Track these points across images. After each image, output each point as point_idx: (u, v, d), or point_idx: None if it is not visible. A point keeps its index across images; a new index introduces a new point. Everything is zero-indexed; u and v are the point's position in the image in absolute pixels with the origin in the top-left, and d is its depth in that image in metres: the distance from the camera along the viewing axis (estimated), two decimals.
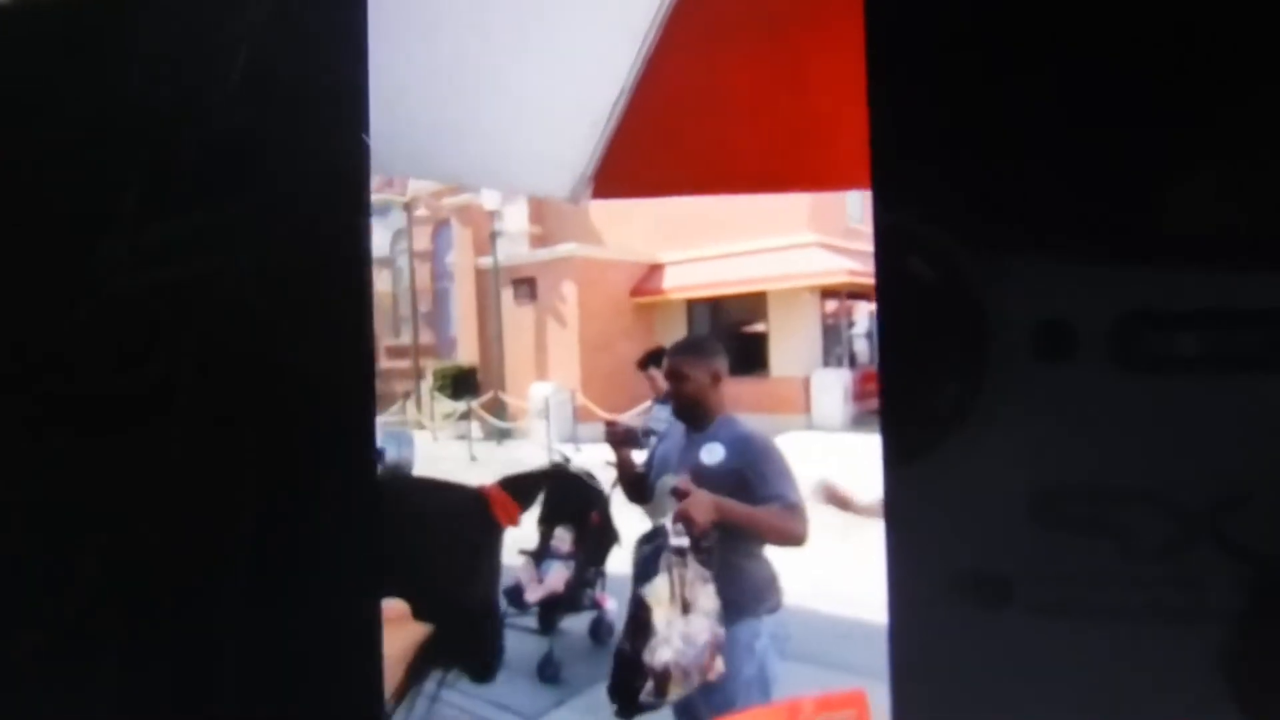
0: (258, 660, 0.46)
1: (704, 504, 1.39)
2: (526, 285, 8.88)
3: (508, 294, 8.89)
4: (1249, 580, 0.39)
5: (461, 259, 8.72)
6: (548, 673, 2.41)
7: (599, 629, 2.71)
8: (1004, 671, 0.42)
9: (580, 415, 7.84)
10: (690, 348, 1.68)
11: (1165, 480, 0.39)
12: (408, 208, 8.13)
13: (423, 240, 9.27)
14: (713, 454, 1.51)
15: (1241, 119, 0.39)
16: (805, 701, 1.03)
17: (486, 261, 9.05)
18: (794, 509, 1.44)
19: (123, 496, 0.46)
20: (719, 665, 1.35)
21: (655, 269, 9.01)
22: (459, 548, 0.65)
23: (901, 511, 0.42)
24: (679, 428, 1.61)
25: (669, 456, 1.62)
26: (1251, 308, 0.39)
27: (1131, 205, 0.40)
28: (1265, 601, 0.39)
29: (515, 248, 9.13)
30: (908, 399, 0.42)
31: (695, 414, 1.57)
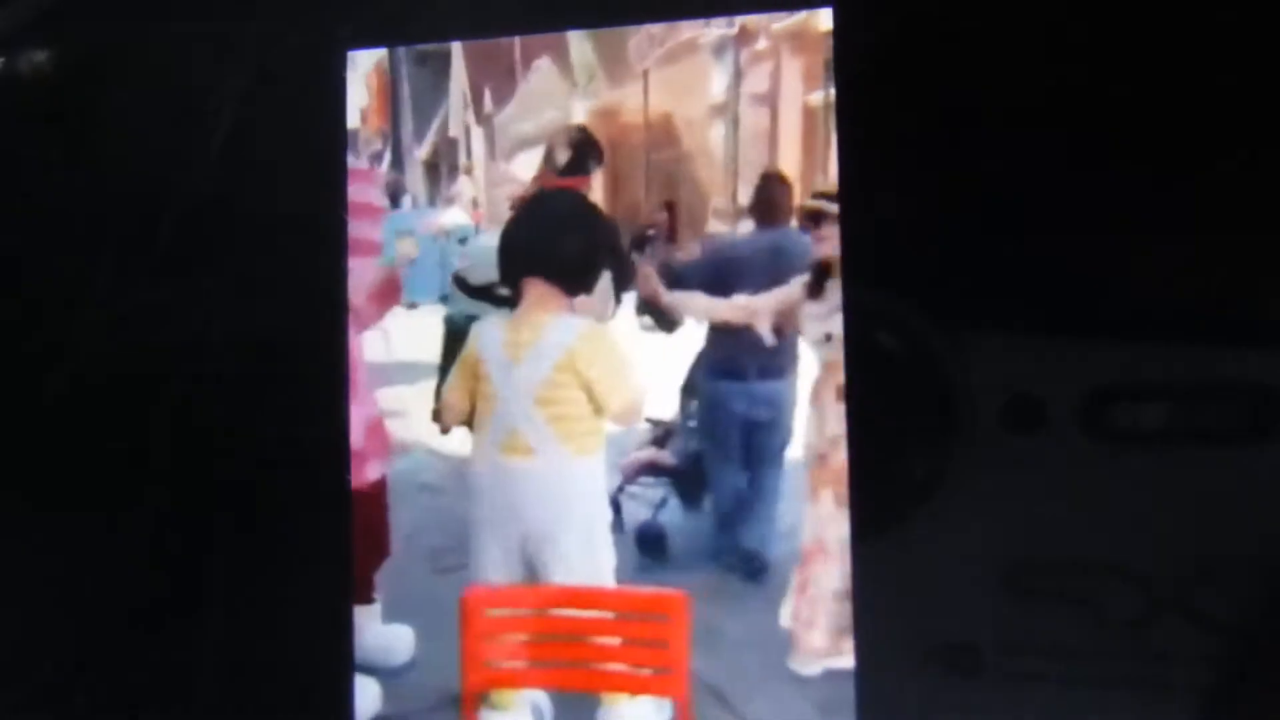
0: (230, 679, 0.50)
1: None
2: None
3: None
4: (1218, 653, 0.41)
5: (788, 96, 8.30)
6: (646, 542, 2.16)
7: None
8: None
9: None
10: None
11: (1134, 553, 0.41)
12: (736, 42, 7.85)
13: (760, 80, 8.89)
14: None
15: (1207, 192, 0.41)
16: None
17: (819, 97, 8.52)
18: None
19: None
20: None
21: None
22: None
23: (870, 585, 0.46)
24: None
25: None
26: (1220, 381, 0.41)
27: (1099, 279, 0.42)
28: (1234, 675, 0.41)
29: None
30: (876, 473, 0.45)
31: None
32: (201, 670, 0.49)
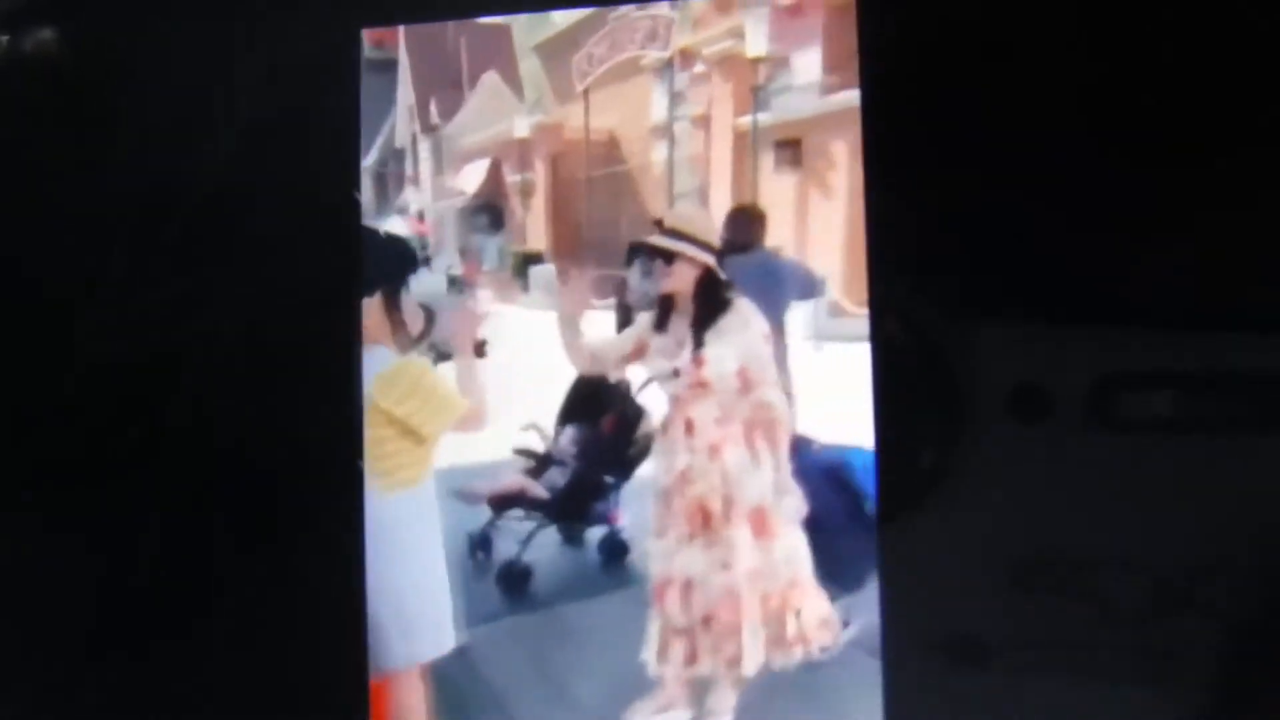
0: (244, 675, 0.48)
1: None
2: (790, 148, 8.28)
3: (769, 160, 8.41)
4: (1226, 647, 0.40)
5: (719, 120, 8.36)
6: (510, 579, 1.88)
7: (609, 546, 2.33)
8: None
9: (831, 310, 7.46)
10: None
11: (1141, 545, 0.40)
12: (671, 63, 7.86)
13: (701, 102, 8.94)
14: None
15: (1215, 182, 0.40)
16: None
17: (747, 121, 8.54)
18: None
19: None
20: None
21: None
22: None
23: (892, 570, 0.44)
24: None
25: None
26: (1228, 370, 0.40)
27: (1105, 269, 0.41)
28: (1242, 669, 0.40)
29: (805, 104, 8.37)
30: (899, 460, 0.44)
31: None
32: (214, 666, 0.48)
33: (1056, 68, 0.42)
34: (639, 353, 1.25)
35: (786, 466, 1.12)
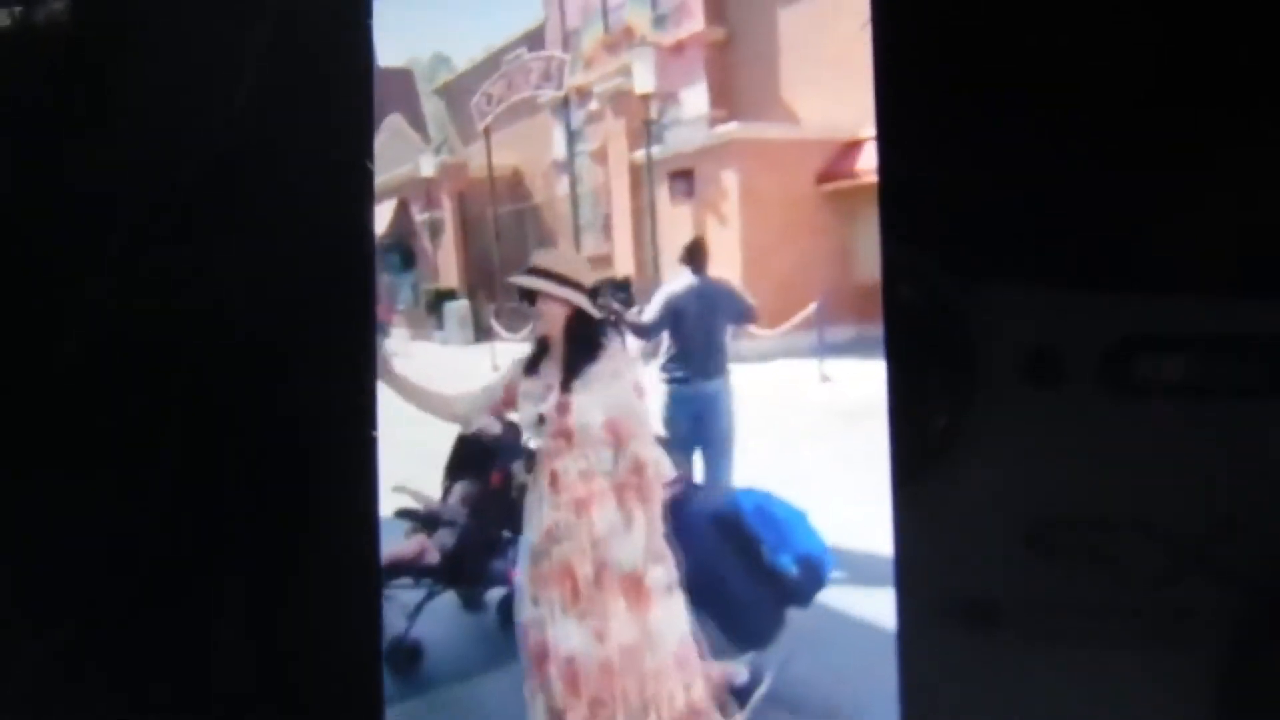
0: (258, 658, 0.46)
1: None
2: (683, 179, 8.38)
3: (664, 191, 8.53)
4: (1239, 607, 0.32)
5: (615, 154, 8.45)
6: (396, 659, 1.56)
7: (508, 608, 1.81)
8: (995, 692, 0.40)
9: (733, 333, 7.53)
10: None
11: (1154, 507, 0.32)
12: (568, 102, 7.80)
13: (597, 137, 8.98)
14: None
15: (1227, 153, 0.33)
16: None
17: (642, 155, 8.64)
18: None
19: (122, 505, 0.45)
20: None
21: (852, 147, 8.01)
22: None
23: (906, 531, 0.40)
24: None
25: None
26: (1240, 334, 0.33)
27: (1121, 235, 0.33)
28: (1255, 628, 0.31)
29: (695, 136, 8.41)
30: (911, 423, 0.32)
31: None
32: (225, 639, 0.44)
33: (1071, 37, 0.38)
34: (510, 399, 1.16)
35: (660, 529, 1.06)
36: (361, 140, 0.44)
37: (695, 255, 2.26)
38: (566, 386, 1.04)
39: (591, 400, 1.02)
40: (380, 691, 0.48)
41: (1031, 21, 0.38)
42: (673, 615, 1.03)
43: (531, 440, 1.10)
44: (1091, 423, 0.37)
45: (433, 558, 1.39)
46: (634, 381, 1.09)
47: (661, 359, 2.19)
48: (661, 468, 1.10)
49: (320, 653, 0.47)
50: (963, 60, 0.39)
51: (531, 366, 1.09)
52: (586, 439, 1.03)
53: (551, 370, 1.08)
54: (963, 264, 0.39)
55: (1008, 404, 0.38)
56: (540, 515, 1.03)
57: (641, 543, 1.01)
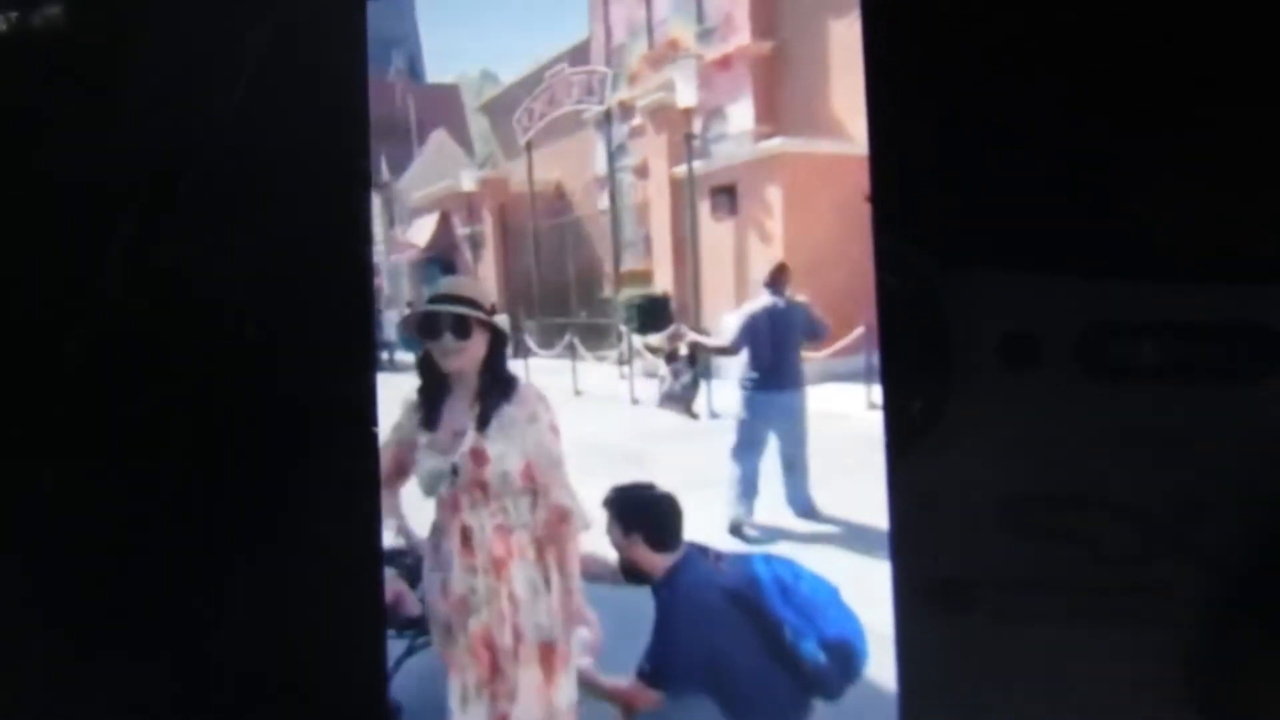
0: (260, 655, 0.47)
1: None
2: (725, 194, 7.90)
3: (705, 206, 8.09)
4: (1211, 586, 0.38)
5: (656, 169, 7.79)
6: None
7: None
8: (971, 671, 0.42)
9: None
10: None
11: (1128, 489, 0.39)
12: (609, 116, 7.19)
13: (639, 152, 7.89)
14: None
15: (1203, 133, 0.40)
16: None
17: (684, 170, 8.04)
18: None
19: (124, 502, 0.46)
20: None
21: None
22: None
23: (899, 510, 0.42)
24: None
25: None
26: (1214, 318, 0.39)
27: (1094, 218, 0.40)
28: (1226, 607, 0.39)
29: (739, 151, 7.78)
30: (901, 404, 0.42)
31: None
32: (225, 639, 0.45)
33: (1049, 27, 0.40)
34: (401, 468, 1.02)
35: (579, 588, 0.94)
36: (358, 139, 0.45)
37: (777, 279, 2.36)
38: (481, 432, 0.97)
39: (509, 446, 0.96)
40: (385, 692, 0.53)
41: (1006, 11, 0.40)
42: (570, 686, 0.94)
43: (432, 494, 1.01)
44: (1067, 406, 0.40)
45: (413, 608, 1.27)
46: (550, 423, 1.01)
47: (741, 372, 2.27)
48: (580, 518, 1.03)
49: (320, 651, 0.48)
50: (943, 51, 0.42)
51: (429, 418, 1.01)
52: (505, 489, 0.96)
53: (457, 416, 1.00)
54: (943, 250, 0.41)
55: (985, 387, 0.41)
56: (449, 581, 0.96)
57: (558, 604, 0.94)
